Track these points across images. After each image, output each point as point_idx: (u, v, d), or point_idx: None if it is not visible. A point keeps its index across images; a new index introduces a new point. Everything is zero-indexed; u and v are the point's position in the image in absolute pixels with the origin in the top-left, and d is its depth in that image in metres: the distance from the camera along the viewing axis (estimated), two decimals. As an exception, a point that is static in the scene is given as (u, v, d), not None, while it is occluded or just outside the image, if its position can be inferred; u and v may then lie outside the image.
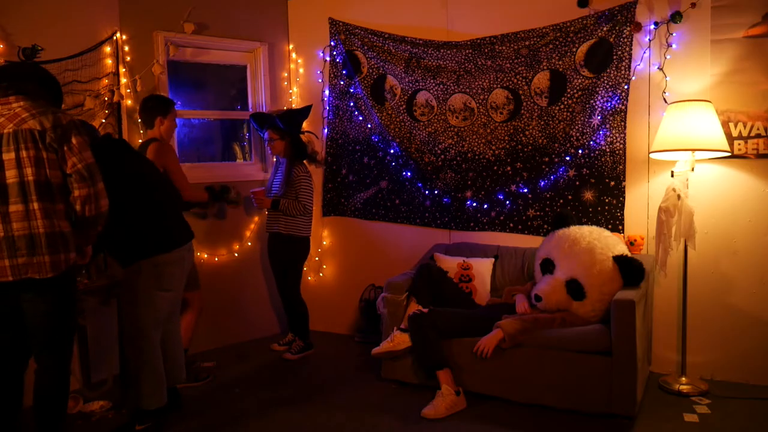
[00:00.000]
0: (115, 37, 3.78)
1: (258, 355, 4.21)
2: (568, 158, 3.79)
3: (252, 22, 4.48)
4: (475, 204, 4.13)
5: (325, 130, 4.65)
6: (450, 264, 3.87)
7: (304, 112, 4.24)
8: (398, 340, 3.35)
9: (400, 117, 4.34)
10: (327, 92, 4.62)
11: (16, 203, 2.32)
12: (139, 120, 3.91)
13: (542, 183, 3.89)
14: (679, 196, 3.26)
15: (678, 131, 3.22)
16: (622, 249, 3.29)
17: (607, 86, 3.64)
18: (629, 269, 3.16)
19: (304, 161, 4.14)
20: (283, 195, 4.01)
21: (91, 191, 2.40)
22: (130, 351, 2.93)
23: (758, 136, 3.33)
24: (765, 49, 3.29)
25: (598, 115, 3.69)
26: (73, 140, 2.38)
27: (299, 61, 4.71)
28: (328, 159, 4.64)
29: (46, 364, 2.49)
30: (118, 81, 3.79)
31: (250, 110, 4.59)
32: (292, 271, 4.15)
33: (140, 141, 3.90)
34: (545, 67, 3.83)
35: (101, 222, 2.51)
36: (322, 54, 4.61)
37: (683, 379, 3.36)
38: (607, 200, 3.71)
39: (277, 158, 4.21)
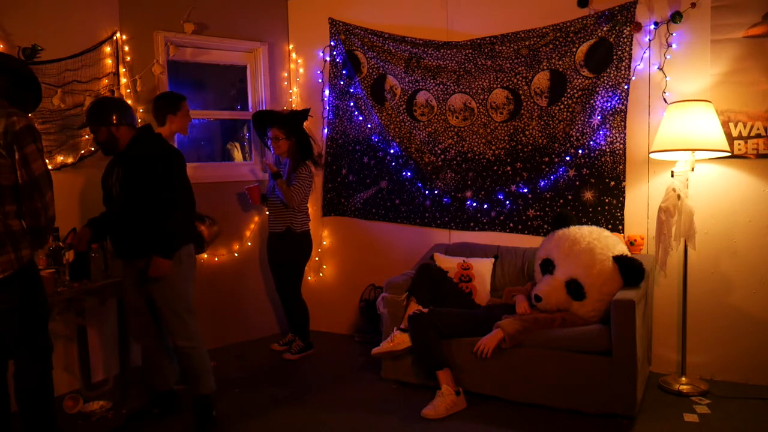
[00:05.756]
0: (115, 37, 3.78)
1: (258, 355, 4.21)
2: (568, 158, 3.79)
3: (252, 22, 4.47)
4: (475, 204, 4.13)
5: (325, 130, 4.65)
6: (450, 264, 3.87)
7: (304, 113, 4.24)
8: (398, 340, 3.35)
9: (400, 117, 4.34)
10: (327, 92, 4.62)
11: None
12: (140, 120, 3.91)
13: (542, 183, 3.89)
14: (679, 196, 3.26)
15: (678, 131, 3.22)
16: (622, 249, 3.29)
17: (607, 86, 3.64)
18: (629, 269, 3.16)
19: (308, 162, 4.14)
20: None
21: (39, 205, 2.33)
22: (187, 342, 2.99)
23: (758, 136, 3.33)
24: (765, 49, 3.29)
25: (598, 115, 3.69)
26: (26, 150, 2.28)
27: (299, 61, 4.71)
28: (328, 159, 4.64)
29: (22, 365, 2.43)
30: (118, 81, 3.79)
31: (250, 110, 4.59)
32: (295, 270, 4.15)
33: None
34: (545, 67, 3.83)
35: (49, 231, 2.44)
36: (322, 54, 4.61)
37: (683, 379, 3.36)
38: (607, 200, 3.71)
39: (278, 159, 4.21)
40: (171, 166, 2.95)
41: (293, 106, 4.68)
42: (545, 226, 3.89)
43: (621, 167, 3.66)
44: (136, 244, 2.97)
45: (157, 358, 3.16)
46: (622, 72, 3.60)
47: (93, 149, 3.63)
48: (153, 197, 2.90)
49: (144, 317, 3.11)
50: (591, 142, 3.73)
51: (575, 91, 3.75)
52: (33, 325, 2.45)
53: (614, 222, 3.69)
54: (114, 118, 2.95)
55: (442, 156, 4.21)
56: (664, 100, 3.51)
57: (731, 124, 3.37)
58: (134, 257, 3.01)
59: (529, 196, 3.94)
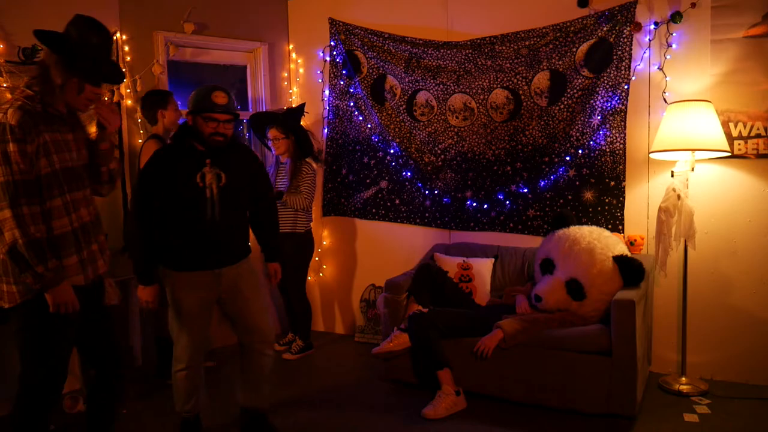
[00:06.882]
0: (115, 37, 3.78)
1: (258, 355, 4.20)
2: (568, 158, 3.79)
3: (252, 22, 4.48)
4: (475, 204, 4.13)
5: (325, 130, 4.65)
6: (450, 264, 3.87)
7: (299, 109, 4.24)
8: (398, 340, 3.35)
9: (400, 117, 4.34)
10: (327, 92, 4.62)
11: None
12: (140, 119, 3.91)
13: (542, 183, 3.89)
14: (679, 196, 3.26)
15: (678, 131, 3.22)
16: (622, 249, 3.29)
17: (607, 86, 3.64)
18: (629, 269, 3.16)
19: (308, 159, 4.14)
20: (287, 190, 4.03)
21: None
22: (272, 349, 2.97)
23: (758, 136, 3.33)
24: (765, 49, 3.29)
25: (598, 115, 3.69)
26: None
27: (299, 61, 4.71)
28: (328, 159, 4.65)
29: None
30: (118, 81, 3.79)
31: (250, 110, 4.59)
32: (300, 270, 4.15)
33: (140, 141, 3.90)
34: (545, 67, 3.83)
35: (19, 258, 2.00)
36: (322, 54, 4.61)
37: (683, 379, 3.36)
38: (607, 200, 3.71)
39: (278, 159, 4.20)
40: (264, 166, 2.97)
41: (293, 106, 4.68)
42: (545, 226, 3.89)
43: (621, 167, 3.66)
44: (239, 250, 2.80)
45: (200, 379, 2.88)
46: (622, 72, 3.60)
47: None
48: (257, 198, 2.86)
49: (207, 331, 2.86)
50: (591, 142, 3.73)
51: (575, 91, 3.75)
52: (32, 355, 2.20)
53: (614, 222, 3.69)
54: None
55: (442, 156, 4.21)
56: (664, 100, 3.51)
57: (731, 124, 3.37)
58: (227, 264, 2.73)
59: (529, 196, 3.94)
